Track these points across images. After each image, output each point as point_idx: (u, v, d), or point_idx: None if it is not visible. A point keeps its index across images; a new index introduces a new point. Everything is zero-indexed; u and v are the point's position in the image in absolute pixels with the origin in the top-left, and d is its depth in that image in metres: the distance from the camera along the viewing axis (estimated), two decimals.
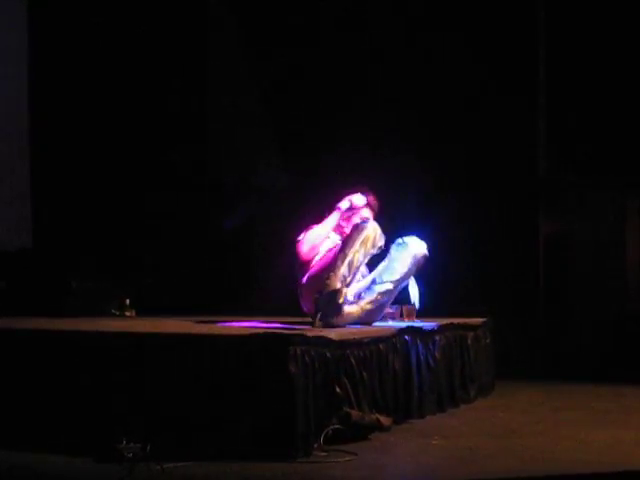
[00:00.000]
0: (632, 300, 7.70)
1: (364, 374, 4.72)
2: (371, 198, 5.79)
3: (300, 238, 5.65)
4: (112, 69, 8.15)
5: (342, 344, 4.59)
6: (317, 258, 5.60)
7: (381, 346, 4.95)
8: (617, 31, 7.69)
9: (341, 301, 5.18)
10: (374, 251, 5.39)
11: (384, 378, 4.95)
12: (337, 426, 4.38)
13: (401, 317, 5.85)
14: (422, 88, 7.83)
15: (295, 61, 8.15)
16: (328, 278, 5.21)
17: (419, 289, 5.75)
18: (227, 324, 5.49)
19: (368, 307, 5.48)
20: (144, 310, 7.14)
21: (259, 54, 8.33)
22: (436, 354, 5.50)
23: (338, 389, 4.50)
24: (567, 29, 7.83)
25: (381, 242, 5.39)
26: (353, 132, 7.97)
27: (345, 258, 5.27)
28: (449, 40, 7.85)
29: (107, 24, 8.14)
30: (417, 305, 5.76)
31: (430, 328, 5.52)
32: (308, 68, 8.12)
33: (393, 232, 5.63)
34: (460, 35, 7.84)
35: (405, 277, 5.57)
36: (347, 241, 5.36)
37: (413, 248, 5.57)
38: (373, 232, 5.35)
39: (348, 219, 5.74)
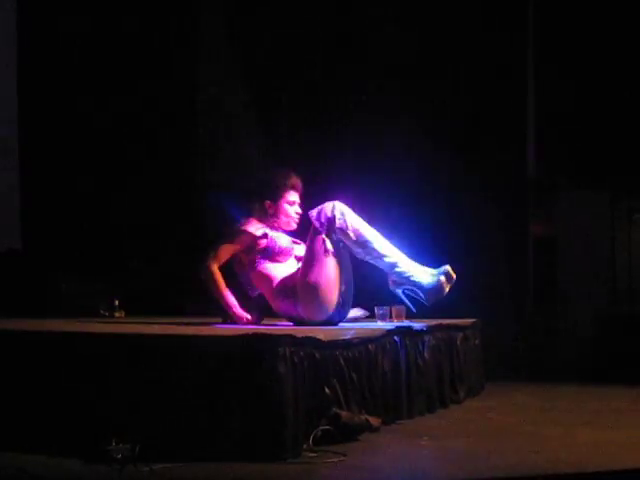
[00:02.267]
0: (622, 301, 7.71)
1: (353, 375, 4.71)
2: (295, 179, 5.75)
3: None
4: (99, 71, 8.14)
5: (331, 345, 4.58)
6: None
7: (370, 347, 4.94)
8: (609, 32, 7.71)
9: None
10: None
11: (373, 379, 4.94)
12: (326, 427, 4.38)
13: (390, 318, 5.85)
14: (416, 89, 7.84)
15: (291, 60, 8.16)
16: None
17: None
18: (221, 325, 5.48)
19: None
20: (133, 311, 7.12)
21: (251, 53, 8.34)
22: (425, 355, 5.50)
23: (327, 390, 4.49)
24: (557, 29, 7.85)
25: None
26: (347, 132, 7.97)
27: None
28: (439, 40, 7.86)
29: (95, 24, 8.14)
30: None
31: (419, 329, 5.51)
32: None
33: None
34: (451, 35, 7.85)
35: None
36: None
37: None
38: None
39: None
